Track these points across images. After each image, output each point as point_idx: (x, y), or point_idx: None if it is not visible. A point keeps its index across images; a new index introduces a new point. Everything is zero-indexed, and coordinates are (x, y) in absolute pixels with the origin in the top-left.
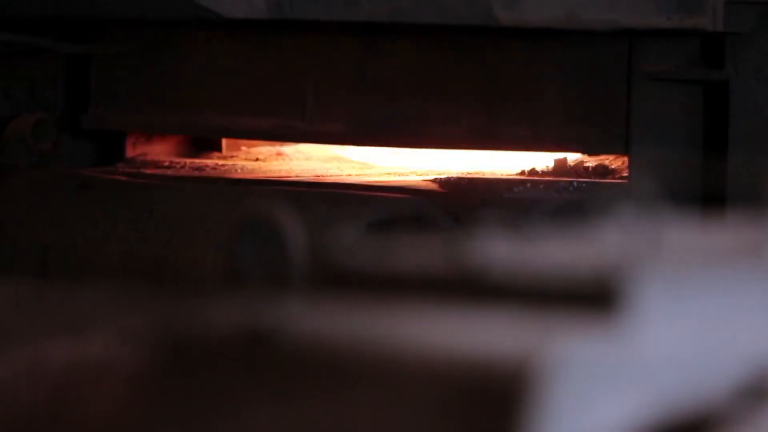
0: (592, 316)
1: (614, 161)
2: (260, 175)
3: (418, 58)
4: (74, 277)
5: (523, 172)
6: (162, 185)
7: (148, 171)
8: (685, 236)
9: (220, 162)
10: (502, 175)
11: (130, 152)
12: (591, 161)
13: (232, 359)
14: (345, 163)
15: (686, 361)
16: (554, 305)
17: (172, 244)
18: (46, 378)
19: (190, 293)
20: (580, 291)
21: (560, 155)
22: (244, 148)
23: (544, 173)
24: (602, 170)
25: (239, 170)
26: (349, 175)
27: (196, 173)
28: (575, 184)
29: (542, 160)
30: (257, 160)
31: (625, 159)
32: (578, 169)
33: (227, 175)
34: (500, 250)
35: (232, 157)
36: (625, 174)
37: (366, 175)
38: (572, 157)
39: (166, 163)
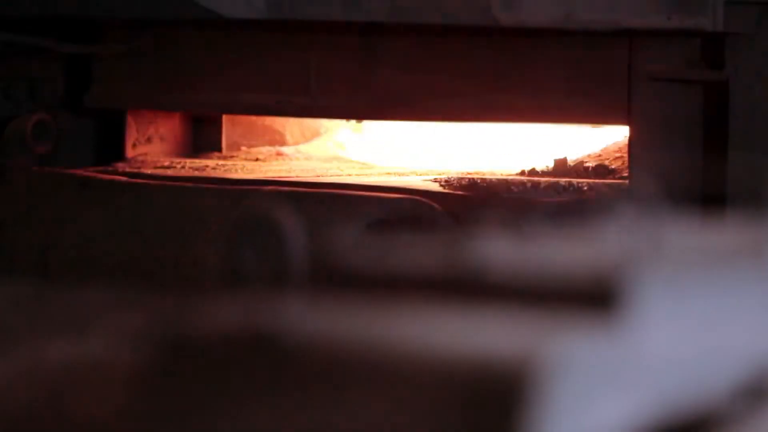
0: (592, 316)
1: (614, 161)
2: (260, 175)
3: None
4: (74, 277)
5: (523, 172)
6: (162, 185)
7: (148, 171)
8: (685, 236)
9: (220, 162)
10: (502, 175)
11: (130, 152)
12: (591, 161)
13: (232, 359)
14: (345, 163)
15: (686, 362)
16: (554, 305)
17: (172, 244)
18: (46, 378)
19: (190, 293)
20: (579, 291)
21: (560, 156)
22: (244, 148)
23: (544, 173)
24: (602, 170)
25: (239, 170)
26: (349, 175)
27: (196, 173)
28: (575, 184)
29: (542, 160)
30: (257, 160)
31: (625, 159)
32: (578, 169)
33: (227, 175)
34: (500, 250)
35: (232, 157)
36: (625, 174)
37: (366, 175)
38: (572, 157)
39: (166, 163)
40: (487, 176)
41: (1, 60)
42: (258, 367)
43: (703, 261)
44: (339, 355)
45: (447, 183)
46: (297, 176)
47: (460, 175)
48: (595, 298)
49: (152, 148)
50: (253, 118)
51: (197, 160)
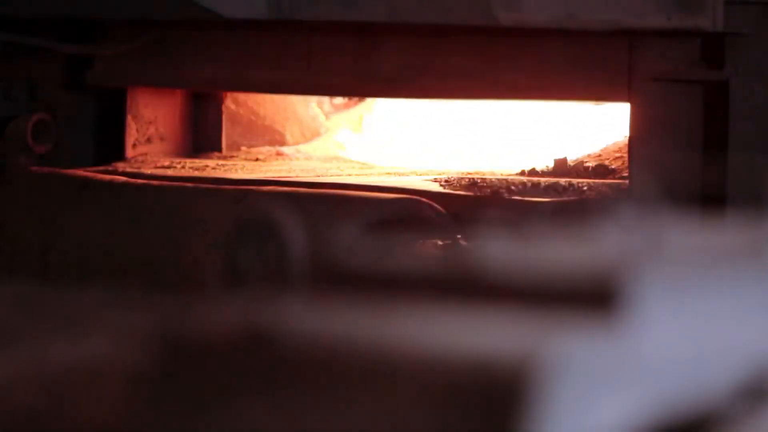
0: (591, 316)
1: (614, 161)
2: (260, 175)
3: None
4: (74, 277)
5: (523, 172)
6: (162, 185)
7: (148, 171)
8: (685, 236)
9: (220, 162)
10: (502, 175)
11: (130, 152)
12: (591, 161)
13: (232, 359)
14: (345, 163)
15: (686, 361)
16: (554, 305)
17: (172, 244)
18: (47, 378)
19: (190, 293)
20: (579, 291)
21: (560, 156)
22: (244, 148)
23: (544, 173)
24: (602, 170)
25: (239, 170)
26: (349, 175)
27: (196, 173)
28: (575, 184)
29: (542, 160)
30: (257, 160)
31: (625, 159)
32: (578, 169)
33: (227, 175)
34: (500, 250)
35: (232, 157)
36: (625, 174)
37: (366, 175)
38: (572, 157)
39: (166, 163)
40: (487, 176)
41: (1, 60)
42: (257, 367)
43: (703, 261)
44: (338, 355)
45: (447, 183)
46: (297, 176)
47: (460, 175)
48: (595, 298)
49: (152, 148)
50: (253, 117)
51: (197, 160)
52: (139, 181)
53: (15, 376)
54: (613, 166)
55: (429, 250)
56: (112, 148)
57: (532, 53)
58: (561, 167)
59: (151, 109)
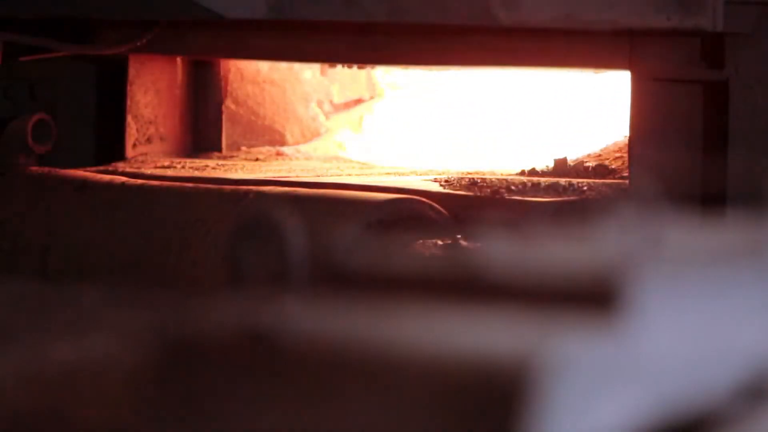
0: (592, 315)
1: (614, 161)
2: (260, 175)
3: None
4: (74, 277)
5: (523, 172)
6: (161, 185)
7: (148, 171)
8: (685, 236)
9: (220, 162)
10: (502, 175)
11: (130, 152)
12: (591, 161)
13: (232, 359)
14: (345, 163)
15: (686, 361)
16: (554, 305)
17: (172, 245)
18: (47, 378)
19: (190, 293)
20: (579, 291)
21: (560, 156)
22: (244, 148)
23: (544, 173)
24: (602, 170)
25: (239, 170)
26: (349, 175)
27: (196, 173)
28: (575, 184)
29: (542, 160)
30: (257, 160)
31: (625, 159)
32: (578, 169)
33: (227, 175)
34: (500, 250)
35: (232, 157)
36: (625, 174)
37: (366, 175)
38: (572, 157)
39: (166, 163)
40: (487, 176)
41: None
42: (257, 367)
43: (702, 261)
44: (338, 355)
45: (447, 183)
46: (297, 176)
47: (460, 175)
48: (594, 298)
49: (152, 148)
50: (253, 117)
51: (197, 160)
52: (139, 181)
53: (15, 376)
54: (613, 166)
55: (429, 250)
56: (112, 148)
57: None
58: (561, 167)
59: (151, 109)
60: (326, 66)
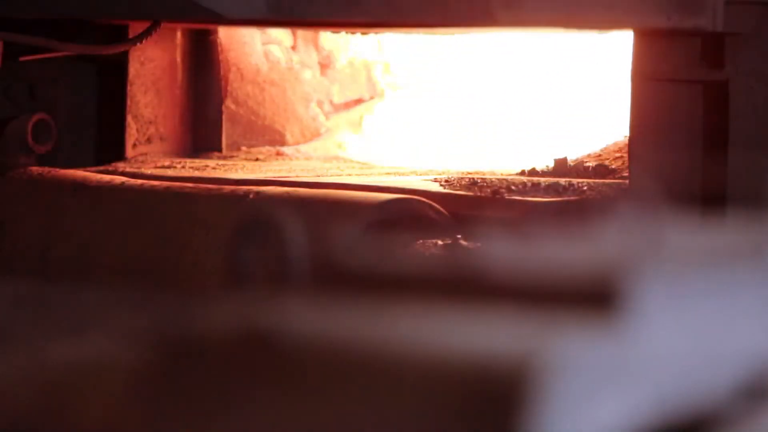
0: (591, 315)
1: (614, 161)
2: (260, 175)
3: None
4: (74, 277)
5: (523, 172)
6: (161, 185)
7: (148, 171)
8: (685, 236)
9: (220, 162)
10: (502, 175)
11: (130, 152)
12: (591, 161)
13: (232, 359)
14: (345, 163)
15: (686, 361)
16: (554, 305)
17: (172, 245)
18: (47, 378)
19: (190, 293)
20: (580, 291)
21: (560, 156)
22: (244, 148)
23: (544, 173)
24: (602, 170)
25: (239, 170)
26: (349, 175)
27: (196, 173)
28: (575, 184)
29: (542, 160)
30: (257, 160)
31: (625, 159)
32: (578, 169)
33: (227, 175)
34: (500, 250)
35: (232, 157)
36: (625, 174)
37: (366, 175)
38: (572, 157)
39: (167, 163)
40: (487, 176)
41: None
42: (257, 367)
43: (703, 261)
44: (338, 355)
45: (447, 183)
46: (297, 176)
47: (460, 175)
48: (595, 298)
49: (152, 148)
50: (253, 117)
51: (197, 160)
52: (139, 181)
53: (15, 376)
54: (613, 166)
55: (429, 250)
56: (112, 148)
57: None
58: (561, 167)
59: (151, 109)
60: (326, 66)
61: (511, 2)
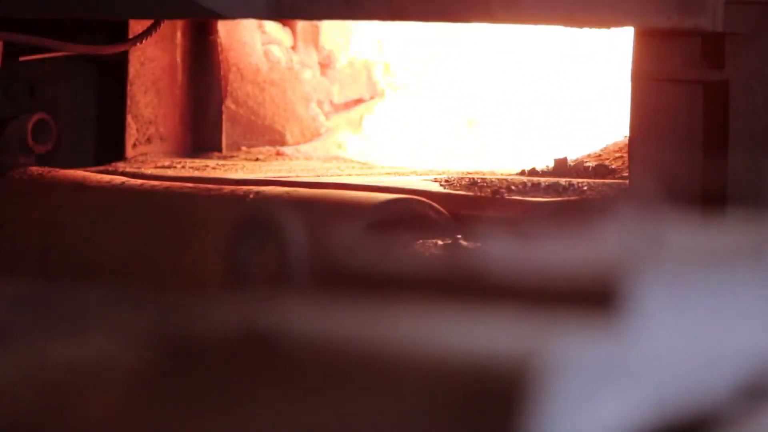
0: (592, 315)
1: (614, 161)
2: (260, 175)
3: None
4: (74, 277)
5: (523, 172)
6: (161, 185)
7: (148, 171)
8: (685, 236)
9: (220, 162)
10: (502, 175)
11: (130, 152)
12: (591, 161)
13: (232, 359)
14: (345, 163)
15: (686, 361)
16: (554, 305)
17: (172, 245)
18: (47, 378)
19: (190, 293)
20: (580, 291)
21: (560, 156)
22: (244, 148)
23: (544, 173)
24: (602, 170)
25: (239, 170)
26: (349, 175)
27: (196, 173)
28: (575, 184)
29: (542, 160)
30: (257, 160)
31: (625, 159)
32: (578, 169)
33: (227, 175)
34: (500, 250)
35: (232, 157)
36: (625, 174)
37: (366, 175)
38: (572, 157)
39: (167, 163)
40: (487, 176)
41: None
42: (257, 367)
43: (702, 261)
44: (338, 355)
45: (447, 183)
46: (297, 176)
47: (460, 175)
48: (595, 298)
49: (152, 148)
50: (253, 117)
51: (197, 160)
52: (139, 181)
53: (15, 376)
54: (613, 166)
55: (429, 250)
56: (112, 148)
57: None
58: (561, 167)
59: (151, 109)
60: (326, 66)
61: (512, 2)
